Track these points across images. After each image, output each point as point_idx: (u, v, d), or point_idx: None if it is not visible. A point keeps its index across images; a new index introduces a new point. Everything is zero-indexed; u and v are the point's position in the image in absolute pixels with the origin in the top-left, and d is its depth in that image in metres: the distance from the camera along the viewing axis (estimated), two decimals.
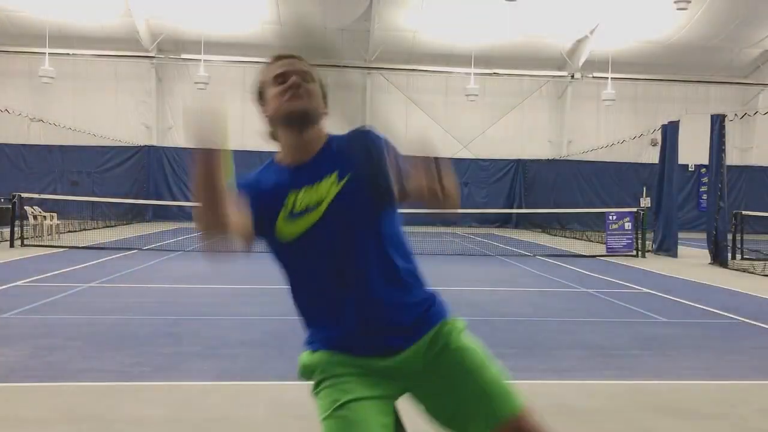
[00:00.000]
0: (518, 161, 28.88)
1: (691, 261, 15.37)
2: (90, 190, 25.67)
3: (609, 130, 28.75)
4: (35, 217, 17.45)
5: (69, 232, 18.77)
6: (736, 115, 16.42)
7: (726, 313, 8.39)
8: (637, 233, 16.42)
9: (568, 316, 8.10)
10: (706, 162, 16.22)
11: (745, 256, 15.48)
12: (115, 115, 27.36)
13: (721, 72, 29.02)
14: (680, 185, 21.49)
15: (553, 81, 29.25)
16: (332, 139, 2.05)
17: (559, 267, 13.57)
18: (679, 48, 27.06)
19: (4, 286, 9.19)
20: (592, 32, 26.47)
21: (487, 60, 27.58)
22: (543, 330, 7.12)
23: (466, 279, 11.38)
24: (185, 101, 27.78)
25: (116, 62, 27.29)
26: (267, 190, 1.99)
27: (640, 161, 28.08)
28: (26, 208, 16.98)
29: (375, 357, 1.95)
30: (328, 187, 1.95)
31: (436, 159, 1.76)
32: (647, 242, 16.55)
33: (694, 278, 12.13)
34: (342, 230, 1.94)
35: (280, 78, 2.00)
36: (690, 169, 27.98)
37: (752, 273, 13.12)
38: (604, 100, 26.92)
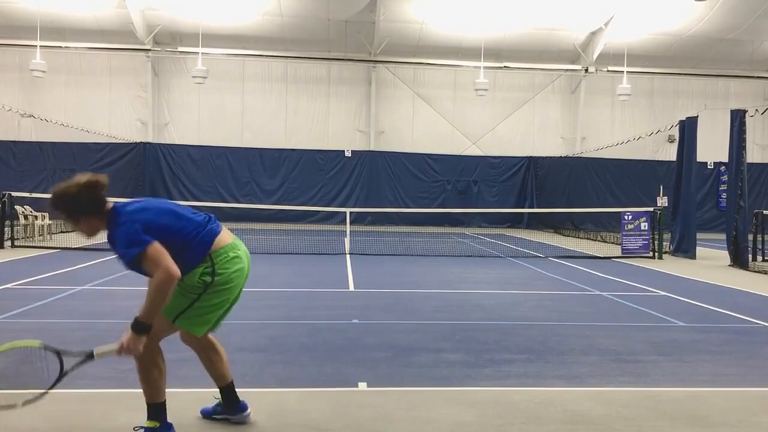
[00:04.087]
0: (530, 159, 28.36)
1: (710, 263, 15.21)
2: None
3: (624, 126, 28.40)
4: (26, 217, 17.22)
5: (61, 232, 18.70)
6: (756, 110, 15.95)
7: (746, 317, 8.27)
8: (653, 234, 16.20)
9: (581, 320, 8.04)
10: (725, 159, 15.98)
11: (766, 258, 15.25)
12: (109, 111, 26.83)
13: (741, 66, 28.55)
14: (699, 184, 21.31)
15: (566, 75, 28.73)
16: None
17: (573, 269, 13.48)
18: (697, 41, 26.50)
19: None
20: (606, 24, 25.93)
21: (498, 53, 27.06)
22: (555, 334, 7.02)
23: (476, 281, 11.40)
24: (183, 96, 27.05)
25: (110, 55, 26.68)
26: None
27: (656, 158, 27.87)
28: (16, 207, 16.69)
29: None
30: None
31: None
32: (664, 243, 16.28)
33: (713, 281, 12.00)
34: None
35: None
36: (709, 167, 27.63)
37: None
38: (619, 94, 26.41)
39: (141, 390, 4.48)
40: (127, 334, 3.34)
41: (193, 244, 3.56)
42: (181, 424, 4.12)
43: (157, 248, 3.36)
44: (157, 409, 3.65)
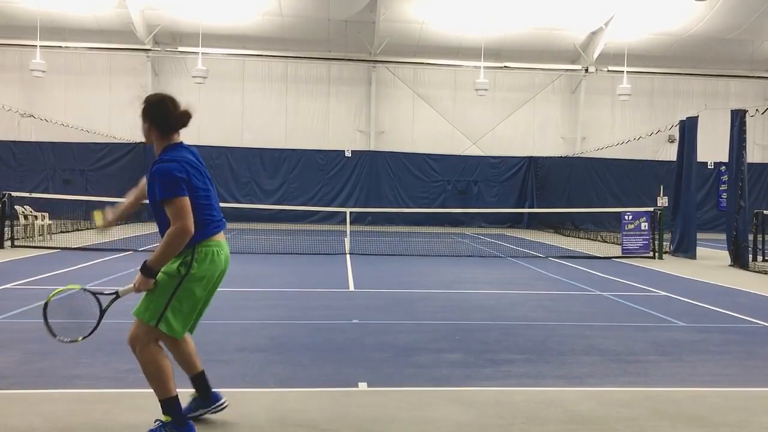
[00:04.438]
0: (530, 159, 28.30)
1: (711, 263, 15.19)
2: (83, 189, 25.05)
3: (625, 126, 28.35)
4: (26, 217, 17.15)
5: (61, 232, 18.72)
6: (757, 110, 15.91)
7: (746, 317, 8.25)
8: (653, 234, 16.17)
9: (581, 320, 8.01)
10: (725, 159, 16.26)
11: (766, 258, 15.18)
12: (109, 111, 26.75)
13: (741, 65, 28.48)
14: (699, 184, 21.29)
15: (567, 75, 28.68)
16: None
17: (573, 269, 13.44)
18: (697, 40, 26.44)
19: None
20: (607, 24, 25.87)
21: (498, 53, 27.00)
22: (555, 335, 7.00)
23: (476, 281, 11.38)
24: (183, 96, 26.96)
25: (110, 55, 26.66)
26: None
27: (657, 158, 27.81)
28: (16, 207, 16.63)
29: None
30: None
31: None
32: (664, 243, 16.24)
33: (714, 281, 11.97)
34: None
35: None
36: (709, 167, 27.54)
37: None
38: (619, 94, 26.34)
39: (140, 390, 4.50)
40: (139, 275, 3.67)
41: (198, 226, 3.69)
42: None
43: (186, 202, 3.60)
44: (167, 405, 3.72)
